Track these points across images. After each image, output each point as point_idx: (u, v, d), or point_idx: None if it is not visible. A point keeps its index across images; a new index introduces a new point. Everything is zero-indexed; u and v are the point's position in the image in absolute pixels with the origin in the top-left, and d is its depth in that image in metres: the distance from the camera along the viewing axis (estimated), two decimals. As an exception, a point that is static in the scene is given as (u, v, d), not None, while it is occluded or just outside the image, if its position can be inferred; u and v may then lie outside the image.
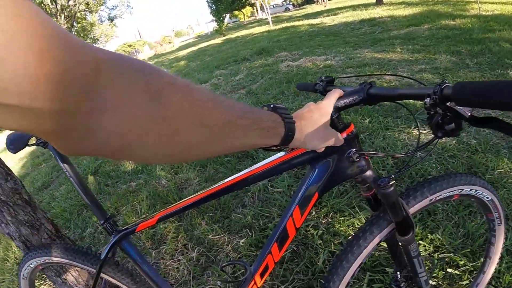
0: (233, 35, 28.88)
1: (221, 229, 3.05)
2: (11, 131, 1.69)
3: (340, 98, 1.04)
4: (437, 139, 0.97)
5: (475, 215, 2.40)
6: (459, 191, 1.34)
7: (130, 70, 0.48)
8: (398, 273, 1.52)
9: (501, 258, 1.81)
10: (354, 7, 19.77)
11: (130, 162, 5.30)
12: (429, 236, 2.29)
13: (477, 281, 1.79)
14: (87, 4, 37.79)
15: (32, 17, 0.35)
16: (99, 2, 39.91)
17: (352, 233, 2.50)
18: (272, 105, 0.87)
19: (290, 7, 54.11)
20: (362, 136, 3.86)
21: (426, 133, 3.52)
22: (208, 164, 4.31)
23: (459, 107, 0.84)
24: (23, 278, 1.99)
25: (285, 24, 21.64)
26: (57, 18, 31.44)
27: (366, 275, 2.13)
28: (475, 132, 3.37)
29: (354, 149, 1.14)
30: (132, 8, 46.65)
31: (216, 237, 2.98)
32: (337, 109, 1.05)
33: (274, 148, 0.89)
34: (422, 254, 1.81)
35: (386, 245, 1.51)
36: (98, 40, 43.66)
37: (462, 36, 7.34)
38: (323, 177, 1.17)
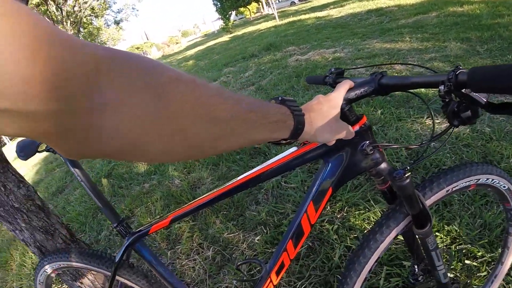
0: (240, 32, 28.85)
1: (235, 227, 3.05)
2: (21, 138, 1.69)
3: (351, 89, 1.03)
4: (453, 128, 0.95)
5: (491, 205, 2.37)
6: (476, 181, 1.32)
7: (131, 68, 0.47)
8: (416, 266, 1.50)
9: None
10: (360, -2, 19.72)
11: (141, 163, 5.32)
12: (445, 228, 2.26)
13: (496, 272, 1.76)
14: (93, 9, 38.05)
15: (22, 18, 0.34)
16: (104, 7, 40.17)
17: (367, 227, 2.49)
18: (280, 98, 0.85)
19: (296, 1, 53.95)
20: (374, 128, 3.82)
21: (439, 122, 3.48)
22: (221, 162, 4.31)
23: (474, 93, 0.82)
24: (39, 284, 1.99)
25: (291, 18, 21.58)
26: (63, 24, 31.72)
27: (383, 269, 2.11)
28: (489, 120, 3.33)
29: (367, 142, 1.13)
30: (137, 10, 46.88)
31: (231, 235, 2.97)
32: (348, 101, 1.03)
33: (284, 141, 0.87)
34: (439, 247, 1.79)
35: (402, 239, 1.49)
36: (106, 43, 44.04)
37: (471, 23, 7.26)
38: (336, 172, 1.16)
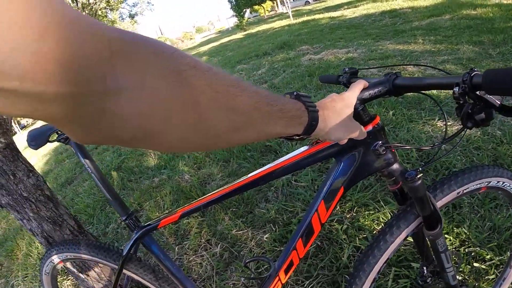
0: (254, 29, 28.85)
1: (244, 224, 3.05)
2: (32, 128, 1.69)
3: (364, 89, 1.02)
4: (466, 130, 0.94)
5: (501, 208, 2.35)
6: (487, 183, 1.32)
7: (149, 52, 0.45)
8: (425, 268, 1.50)
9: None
10: (374, -1, 19.67)
11: (152, 157, 5.33)
12: (455, 230, 2.26)
13: (504, 275, 1.76)
14: (108, 2, 38.06)
15: None
16: (119, 0, 40.17)
17: (377, 227, 2.48)
18: (295, 93, 0.84)
19: (310, 0, 53.91)
20: (386, 129, 3.78)
21: (450, 125, 3.46)
22: (231, 159, 4.31)
23: (489, 95, 0.82)
24: (45, 274, 2.00)
25: (305, 18, 21.51)
26: (78, 16, 31.75)
27: (391, 270, 2.10)
28: (500, 123, 3.31)
29: (380, 142, 1.12)
30: (152, 5, 46.82)
31: (239, 232, 2.97)
32: (362, 101, 1.03)
33: (297, 137, 0.86)
34: (449, 249, 1.79)
35: (412, 240, 1.48)
36: (119, 37, 44.06)
37: (484, 26, 7.23)
38: (349, 171, 1.15)
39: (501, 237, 2.14)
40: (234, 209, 3.27)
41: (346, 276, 2.19)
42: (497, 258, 2.03)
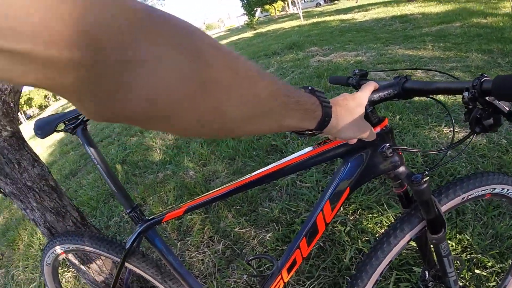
0: (264, 29, 28.83)
1: (247, 222, 3.05)
2: (40, 117, 1.69)
3: (374, 91, 1.03)
4: (474, 135, 0.95)
5: (504, 216, 2.36)
6: (491, 190, 1.32)
7: (173, 27, 0.43)
8: (426, 272, 1.51)
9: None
10: (385, 4, 19.53)
11: (157, 148, 5.33)
12: (457, 236, 2.26)
13: (505, 283, 1.76)
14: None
15: None
16: (131, -5, 40.25)
17: (380, 230, 2.48)
18: (310, 87, 0.83)
19: (322, 2, 53.65)
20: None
21: (456, 131, 3.46)
22: (237, 157, 4.32)
23: (498, 101, 0.82)
24: (46, 265, 2.00)
25: (316, 19, 21.51)
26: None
27: (393, 274, 2.11)
28: (505, 132, 3.31)
29: (388, 144, 1.12)
30: (164, 0, 46.84)
31: (242, 230, 2.98)
32: (371, 103, 1.03)
33: (309, 132, 0.86)
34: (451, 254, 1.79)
35: (415, 244, 1.49)
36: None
37: (493, 35, 7.23)
38: (355, 172, 1.16)
39: (503, 245, 2.14)
40: (237, 207, 3.28)
41: (348, 277, 2.19)
42: (498, 266, 2.03)
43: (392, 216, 2.55)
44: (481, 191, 1.29)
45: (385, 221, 2.54)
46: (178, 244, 3.05)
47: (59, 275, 2.38)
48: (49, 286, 2.11)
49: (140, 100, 0.42)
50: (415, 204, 1.25)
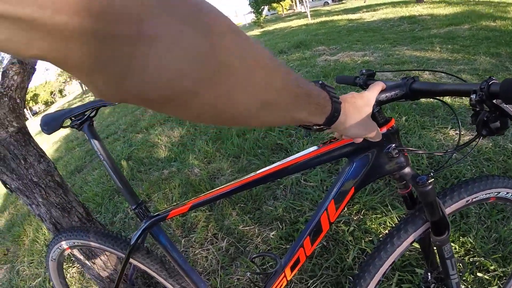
0: (271, 27, 28.76)
1: (251, 220, 3.06)
2: (47, 112, 1.70)
3: (382, 91, 1.03)
4: (480, 138, 0.95)
5: (508, 220, 2.35)
6: (496, 193, 1.32)
7: (192, 5, 0.41)
8: (429, 274, 1.51)
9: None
10: (394, 4, 19.47)
11: (162, 145, 5.34)
12: (460, 239, 2.26)
13: (507, 287, 1.77)
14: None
15: None
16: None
17: (383, 231, 2.48)
18: (320, 82, 0.83)
19: (329, 1, 53.49)
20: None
21: (462, 134, 3.46)
22: (242, 155, 4.32)
23: (505, 104, 0.83)
24: (51, 260, 2.01)
25: (323, 18, 21.44)
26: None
27: (395, 275, 2.11)
28: (511, 136, 3.31)
29: (393, 145, 1.13)
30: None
31: (246, 228, 2.98)
32: (378, 103, 1.04)
33: (316, 127, 0.86)
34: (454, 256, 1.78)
35: (418, 245, 1.49)
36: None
37: (502, 38, 7.19)
38: (360, 172, 1.16)
39: (506, 249, 2.14)
40: (242, 205, 3.29)
41: (350, 277, 2.20)
42: (501, 270, 2.03)
43: (396, 217, 2.55)
44: (486, 194, 1.29)
45: (389, 222, 2.54)
46: (183, 240, 3.06)
47: (64, 270, 2.39)
48: (54, 281, 2.12)
49: (153, 79, 0.40)
50: (419, 205, 1.25)
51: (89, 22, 0.31)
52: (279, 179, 3.39)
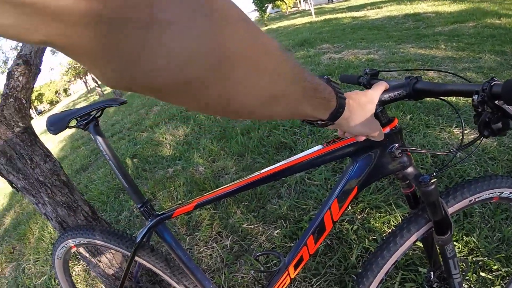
0: (275, 25, 28.59)
1: (256, 218, 3.07)
2: (52, 113, 1.71)
3: (385, 91, 1.03)
4: (482, 138, 0.95)
5: (511, 220, 2.36)
6: (499, 193, 1.32)
7: None
8: (432, 273, 1.51)
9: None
10: (398, 1, 19.34)
11: (167, 144, 5.34)
12: (464, 238, 2.26)
13: (509, 287, 1.77)
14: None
15: None
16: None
17: (387, 230, 2.49)
18: (326, 77, 0.82)
19: (334, -2, 53.44)
20: (402, 132, 3.75)
21: (467, 133, 3.45)
22: (246, 154, 4.32)
23: (507, 105, 0.83)
24: (57, 258, 2.02)
25: (327, 16, 21.32)
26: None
27: (398, 274, 2.11)
28: (516, 135, 3.31)
29: (396, 144, 1.13)
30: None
31: (250, 226, 2.99)
32: (381, 103, 1.04)
33: (320, 123, 0.85)
34: (457, 255, 1.78)
35: (421, 245, 1.50)
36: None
37: (507, 36, 7.13)
38: (364, 171, 1.17)
39: (510, 248, 2.14)
40: (246, 203, 3.29)
41: (353, 276, 2.20)
42: (504, 270, 2.03)
43: (400, 216, 2.55)
44: (489, 194, 1.29)
45: (393, 221, 2.54)
46: (187, 239, 3.07)
47: (70, 268, 2.41)
48: (60, 279, 2.13)
49: (165, 66, 0.38)
50: (422, 205, 1.26)
51: (97, 5, 0.30)
52: (283, 178, 3.39)
